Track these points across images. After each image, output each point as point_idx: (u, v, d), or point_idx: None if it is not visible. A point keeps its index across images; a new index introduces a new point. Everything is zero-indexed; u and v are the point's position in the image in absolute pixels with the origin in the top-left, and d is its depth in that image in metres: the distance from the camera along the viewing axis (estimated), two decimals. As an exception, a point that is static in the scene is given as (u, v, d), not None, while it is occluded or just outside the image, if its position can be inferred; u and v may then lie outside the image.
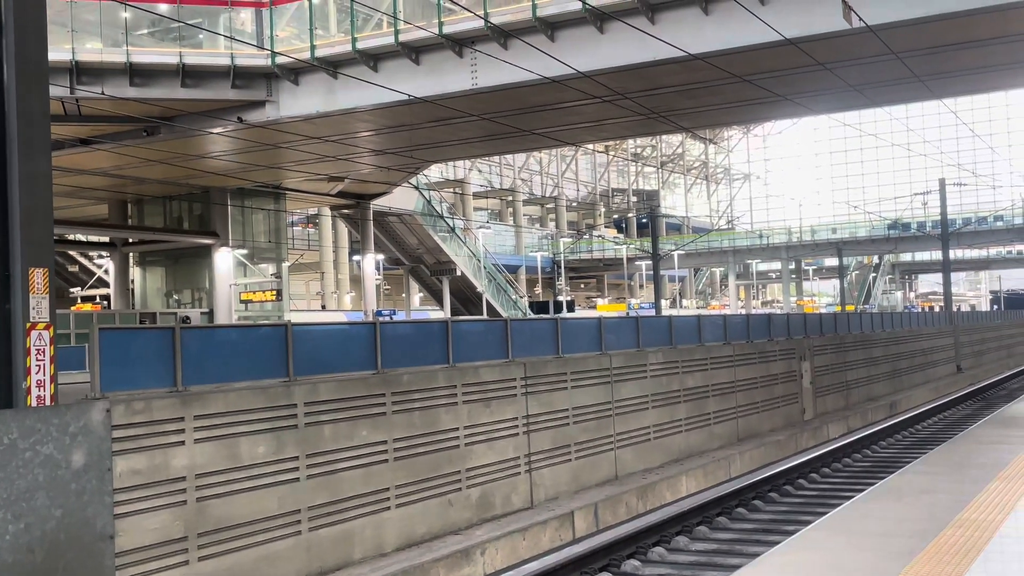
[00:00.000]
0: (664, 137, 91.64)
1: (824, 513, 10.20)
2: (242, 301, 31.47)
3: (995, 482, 9.20)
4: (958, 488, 9.01)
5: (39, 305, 8.36)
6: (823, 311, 55.44)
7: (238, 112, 22.46)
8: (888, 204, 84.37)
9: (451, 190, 65.70)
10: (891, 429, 21.51)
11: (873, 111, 56.97)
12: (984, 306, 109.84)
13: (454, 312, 44.75)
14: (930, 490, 9.04)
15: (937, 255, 64.68)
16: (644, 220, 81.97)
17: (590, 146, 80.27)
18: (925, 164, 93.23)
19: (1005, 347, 48.21)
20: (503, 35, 19.19)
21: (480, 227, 54.50)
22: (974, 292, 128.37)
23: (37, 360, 8.30)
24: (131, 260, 34.83)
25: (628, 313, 50.86)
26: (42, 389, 8.29)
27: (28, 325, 8.30)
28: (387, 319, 33.94)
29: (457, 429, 12.04)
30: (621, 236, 79.25)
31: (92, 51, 21.43)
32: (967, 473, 9.83)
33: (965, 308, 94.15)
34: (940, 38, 17.90)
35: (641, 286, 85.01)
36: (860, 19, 15.27)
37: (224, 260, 31.51)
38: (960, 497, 8.53)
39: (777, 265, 76.31)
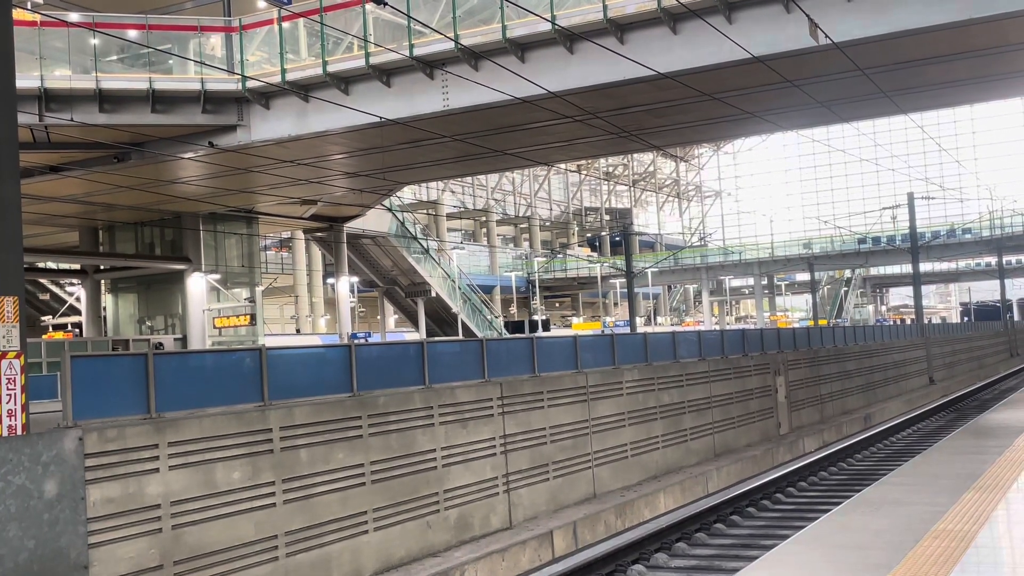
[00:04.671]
0: (636, 156, 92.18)
1: (802, 527, 10.25)
2: (216, 326, 31.24)
3: (970, 492, 9.27)
4: (933, 499, 9.07)
5: (9, 334, 8.29)
6: (796, 326, 55.74)
7: (209, 137, 22.35)
8: (858, 219, 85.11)
9: (424, 211, 65.74)
10: (866, 442, 21.66)
11: (841, 127, 57.72)
12: (955, 318, 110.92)
13: (429, 333, 44.64)
14: (906, 502, 9.09)
15: (907, 268, 65.38)
16: (617, 238, 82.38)
17: (562, 166, 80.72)
18: (894, 178, 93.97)
19: (976, 358, 48.68)
20: (474, 56, 19.25)
21: (454, 248, 54.49)
22: (944, 304, 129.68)
23: (8, 389, 8.21)
24: (103, 287, 34.49)
25: (603, 331, 50.91)
26: (13, 419, 8.20)
27: (-2, 354, 8.22)
28: (362, 341, 33.80)
29: (434, 450, 12.01)
30: (595, 254, 79.49)
31: (61, 78, 21.27)
32: (942, 484, 9.89)
33: (936, 320, 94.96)
34: (904, 54, 18.15)
35: (616, 304, 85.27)
36: (826, 36, 15.47)
37: (197, 285, 31.30)
38: (936, 508, 8.59)
39: (750, 281, 76.75)
